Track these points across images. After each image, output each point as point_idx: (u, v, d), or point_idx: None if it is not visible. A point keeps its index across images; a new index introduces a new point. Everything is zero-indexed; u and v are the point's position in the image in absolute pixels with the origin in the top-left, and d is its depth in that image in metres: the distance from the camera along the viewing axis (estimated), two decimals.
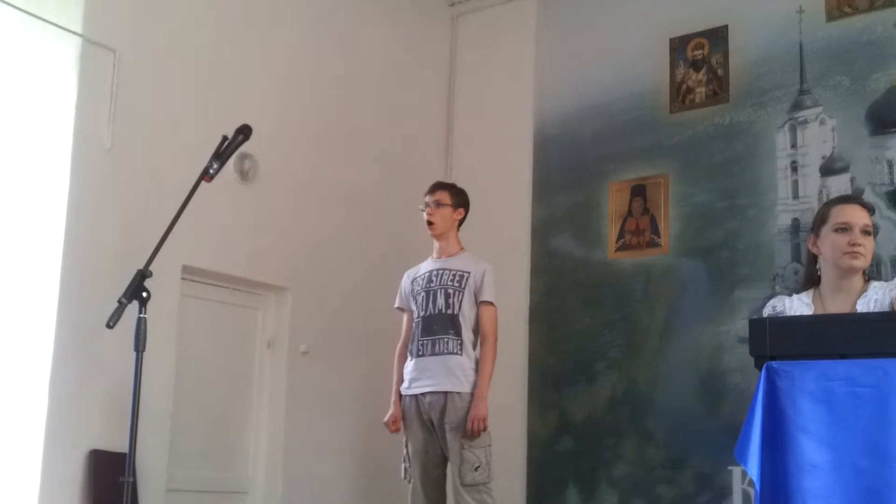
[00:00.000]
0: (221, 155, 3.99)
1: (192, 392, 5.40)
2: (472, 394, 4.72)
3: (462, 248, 5.02)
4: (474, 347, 4.85)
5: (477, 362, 4.82)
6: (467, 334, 4.81)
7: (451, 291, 4.85)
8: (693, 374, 5.82)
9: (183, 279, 5.34)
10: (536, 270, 6.54)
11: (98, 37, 5.02)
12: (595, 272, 6.33)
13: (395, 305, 5.14)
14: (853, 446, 2.49)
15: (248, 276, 5.72)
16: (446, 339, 4.79)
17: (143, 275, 3.74)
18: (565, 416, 6.25)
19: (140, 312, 3.72)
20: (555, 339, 6.37)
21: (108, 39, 5.06)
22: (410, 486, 4.84)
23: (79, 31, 4.97)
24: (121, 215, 5.03)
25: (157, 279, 3.80)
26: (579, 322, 6.32)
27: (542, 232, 6.59)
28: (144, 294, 3.72)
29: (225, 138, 4.02)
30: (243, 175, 5.67)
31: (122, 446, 3.99)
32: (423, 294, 4.91)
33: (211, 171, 3.97)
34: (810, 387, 2.57)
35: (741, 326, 5.51)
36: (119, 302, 3.67)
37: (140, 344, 3.70)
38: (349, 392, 6.15)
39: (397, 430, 4.90)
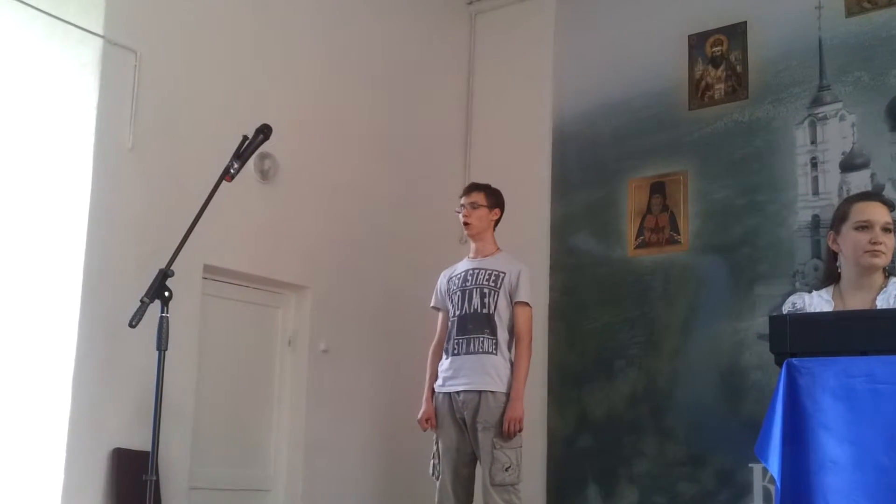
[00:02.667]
0: (242, 154, 4.01)
1: (213, 390, 5.43)
2: (506, 394, 4.74)
3: (498, 249, 5.04)
4: (509, 347, 4.86)
5: (511, 362, 4.84)
6: (502, 334, 4.83)
7: (486, 291, 4.87)
8: (713, 371, 5.81)
9: (204, 278, 5.37)
10: (555, 268, 6.55)
11: (119, 38, 5.06)
12: (614, 269, 6.33)
13: (431, 304, 5.16)
14: (874, 443, 2.49)
15: (269, 275, 5.75)
16: (481, 339, 4.81)
17: (165, 274, 3.76)
18: (585, 414, 6.26)
19: (162, 311, 3.74)
20: (574, 337, 6.38)
21: (130, 41, 5.10)
22: (438, 483, 4.84)
23: (100, 32, 5.01)
24: (142, 215, 5.06)
25: (178, 278, 3.82)
26: (599, 319, 6.32)
27: (561, 229, 6.60)
28: (166, 293, 3.74)
29: (245, 138, 4.03)
30: (264, 174, 5.70)
31: (144, 445, 4.02)
32: (458, 293, 4.93)
33: (232, 170, 3.99)
34: (831, 383, 2.56)
35: (761, 323, 5.50)
36: (141, 301, 3.70)
37: (162, 343, 3.72)
38: (369, 390, 6.17)
39: (430, 428, 4.91)
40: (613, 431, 6.12)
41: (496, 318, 4.83)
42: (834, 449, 2.53)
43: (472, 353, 4.80)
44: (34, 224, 5.04)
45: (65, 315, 4.80)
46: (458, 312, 4.90)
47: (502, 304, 4.85)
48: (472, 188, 5.09)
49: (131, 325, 3.68)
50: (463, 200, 5.04)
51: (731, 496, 5.58)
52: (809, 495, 2.53)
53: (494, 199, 5.05)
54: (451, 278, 5.02)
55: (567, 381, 6.35)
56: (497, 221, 5.08)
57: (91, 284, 4.83)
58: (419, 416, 4.92)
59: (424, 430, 4.94)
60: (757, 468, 5.41)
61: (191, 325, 5.17)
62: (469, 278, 4.93)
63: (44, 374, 4.82)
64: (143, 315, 3.68)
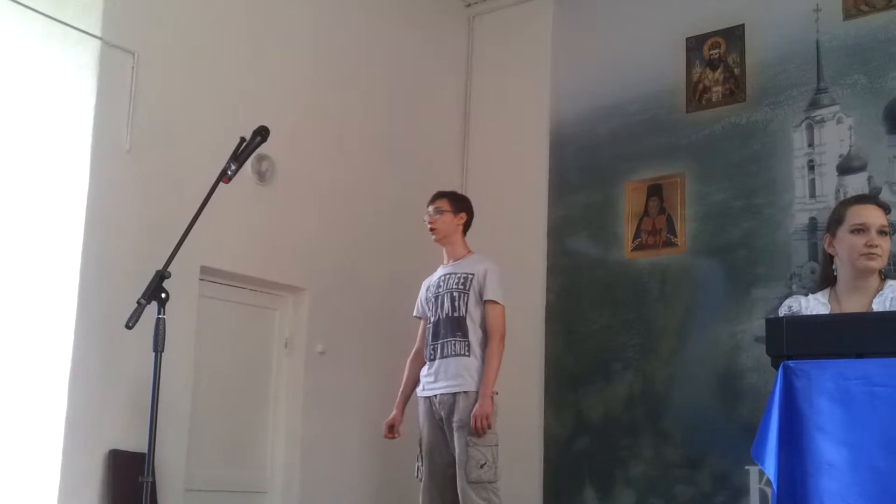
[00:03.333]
0: (239, 156, 4.01)
1: (210, 392, 5.43)
2: (478, 392, 4.77)
3: (469, 252, 5.10)
4: (483, 347, 4.88)
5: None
6: (475, 335, 4.87)
7: (456, 294, 4.94)
8: (710, 374, 5.81)
9: (201, 280, 5.37)
10: (553, 270, 6.55)
11: (117, 40, 5.06)
12: (611, 272, 6.33)
13: (414, 314, 5.22)
14: (871, 446, 2.49)
15: (266, 276, 5.75)
16: (453, 342, 4.88)
17: (161, 276, 3.75)
18: (582, 416, 6.26)
19: (159, 313, 3.73)
20: (571, 339, 6.38)
21: (128, 42, 5.10)
22: (422, 484, 4.90)
23: (98, 34, 5.01)
24: (139, 216, 5.06)
25: (175, 280, 3.81)
26: (596, 322, 6.32)
27: (558, 231, 6.60)
28: (163, 295, 3.73)
29: (243, 140, 4.03)
30: (261, 176, 5.70)
31: (141, 446, 4.01)
32: (433, 300, 5.02)
33: (229, 172, 3.98)
34: (827, 386, 2.56)
35: (758, 326, 5.50)
36: (138, 303, 3.69)
37: (159, 344, 3.71)
38: (366, 392, 6.16)
39: (391, 437, 5.02)
40: (610, 434, 6.12)
41: (467, 321, 4.88)
42: (830, 451, 2.53)
43: (445, 357, 4.87)
44: (31, 225, 5.04)
45: (61, 316, 4.80)
46: (432, 318, 5.00)
47: (472, 305, 4.90)
48: (436, 196, 5.17)
49: (128, 327, 3.67)
50: (429, 209, 5.12)
51: (727, 499, 5.58)
52: (806, 498, 2.53)
53: (458, 203, 5.13)
54: (429, 286, 5.11)
55: (564, 384, 6.35)
56: (466, 226, 5.13)
57: (87, 286, 4.82)
58: (386, 420, 5.04)
59: (385, 438, 5.04)
60: (753, 471, 5.41)
61: (187, 327, 5.17)
62: (441, 284, 5.02)
63: (40, 375, 4.82)
64: (139, 316, 3.67)
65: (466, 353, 4.84)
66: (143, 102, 5.14)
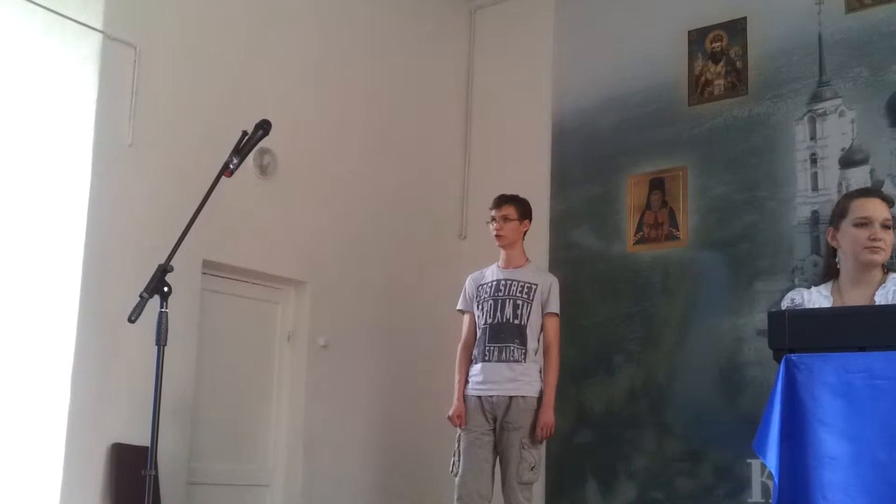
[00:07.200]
0: (241, 150, 4.00)
1: (212, 386, 5.44)
2: (535, 399, 4.91)
3: (527, 260, 5.17)
4: (536, 353, 5.00)
5: (539, 368, 4.99)
6: (532, 343, 4.99)
7: (519, 302, 5.00)
8: (712, 367, 5.81)
9: (204, 274, 5.38)
10: (555, 263, 6.54)
11: (119, 33, 5.06)
12: (614, 265, 6.33)
13: (458, 307, 5.24)
14: (872, 439, 2.49)
15: (268, 270, 5.76)
16: (512, 348, 4.95)
17: (164, 269, 3.75)
18: (584, 409, 6.26)
19: (161, 307, 3.73)
20: (573, 332, 6.36)
21: (129, 36, 5.10)
22: (458, 479, 4.92)
23: (100, 27, 5.01)
24: (142, 210, 5.07)
25: (177, 274, 3.81)
26: (598, 315, 6.32)
27: (560, 225, 6.60)
28: (166, 289, 3.73)
29: (245, 133, 4.02)
30: (263, 170, 5.70)
31: (143, 440, 4.02)
32: (490, 302, 5.04)
33: (231, 166, 3.97)
34: (829, 379, 2.56)
35: (760, 319, 5.51)
36: (140, 296, 3.68)
37: (161, 338, 3.71)
38: (368, 385, 6.18)
39: (460, 425, 4.98)
40: (612, 427, 6.12)
41: (528, 329, 4.98)
42: (832, 444, 2.53)
43: (503, 361, 4.95)
44: (33, 219, 5.04)
45: (64, 310, 4.81)
46: (489, 321, 5.02)
47: (534, 315, 5.00)
48: (502, 201, 5.15)
49: (130, 321, 3.66)
50: (493, 213, 5.12)
51: (729, 491, 5.59)
52: (807, 491, 2.53)
53: (524, 210, 5.17)
54: (482, 285, 5.12)
55: (566, 377, 6.31)
56: (526, 232, 5.18)
57: (90, 280, 4.83)
58: (451, 412, 5.00)
59: (456, 426, 5.00)
60: (755, 463, 5.41)
61: (190, 321, 5.18)
62: (502, 288, 5.04)
63: (43, 369, 4.83)
64: (142, 310, 3.67)
65: (523, 360, 4.95)
66: (145, 96, 5.14)
